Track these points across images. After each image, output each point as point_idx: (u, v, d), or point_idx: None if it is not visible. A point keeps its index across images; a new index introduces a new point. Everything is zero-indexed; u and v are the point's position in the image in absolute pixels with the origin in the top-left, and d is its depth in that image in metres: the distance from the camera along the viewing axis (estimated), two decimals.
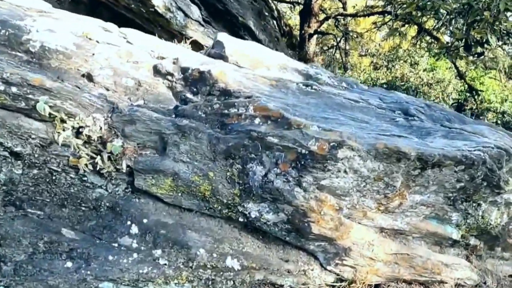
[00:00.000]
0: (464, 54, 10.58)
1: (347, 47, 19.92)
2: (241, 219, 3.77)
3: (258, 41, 11.41)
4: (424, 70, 16.76)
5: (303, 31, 15.18)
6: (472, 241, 4.75)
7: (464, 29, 9.88)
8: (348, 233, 3.92)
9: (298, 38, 15.71)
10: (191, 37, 8.89)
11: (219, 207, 3.71)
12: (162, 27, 8.94)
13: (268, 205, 3.64)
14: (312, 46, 16.19)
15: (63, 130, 3.31)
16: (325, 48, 20.61)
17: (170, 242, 3.61)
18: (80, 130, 3.42)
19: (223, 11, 10.12)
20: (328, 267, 4.02)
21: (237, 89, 3.74)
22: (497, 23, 9.05)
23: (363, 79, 16.72)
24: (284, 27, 15.36)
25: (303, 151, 3.36)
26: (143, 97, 3.88)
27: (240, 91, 3.73)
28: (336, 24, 17.55)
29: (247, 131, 3.45)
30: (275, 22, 13.91)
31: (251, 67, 4.60)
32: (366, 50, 19.97)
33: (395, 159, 3.58)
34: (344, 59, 19.66)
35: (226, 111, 3.60)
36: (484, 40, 9.28)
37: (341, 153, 3.33)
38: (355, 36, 18.85)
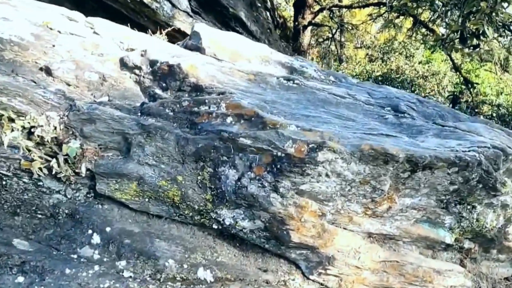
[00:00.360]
0: (459, 47, 10.19)
1: (343, 39, 19.49)
2: (215, 226, 3.40)
3: (250, 32, 11.00)
4: (419, 63, 16.34)
5: (297, 23, 14.74)
6: (467, 244, 4.38)
7: (459, 20, 9.48)
8: (332, 240, 3.54)
9: (292, 30, 15.29)
10: (178, 28, 8.49)
11: (191, 213, 3.34)
12: (149, 18, 8.51)
13: (244, 212, 3.27)
14: (306, 38, 15.77)
15: (12, 130, 2.91)
16: (320, 40, 20.14)
17: (136, 253, 3.23)
18: (32, 130, 3.02)
19: (213, 2, 9.68)
20: (311, 277, 3.64)
21: (209, 84, 3.35)
22: (493, 14, 8.66)
23: (358, 72, 16.35)
24: (278, 19, 14.94)
25: (279, 153, 2.97)
26: (108, 93, 3.49)
27: (213, 86, 3.33)
28: (331, 15, 17.08)
29: (218, 132, 3.06)
30: (268, 13, 13.48)
31: (230, 59, 4.20)
32: (361, 42, 19.53)
33: (382, 161, 3.19)
34: (339, 51, 19.22)
35: (196, 109, 3.21)
36: (481, 32, 8.90)
37: (321, 155, 2.94)
38: (351, 28, 18.42)
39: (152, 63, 3.54)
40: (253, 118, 3.07)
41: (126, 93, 3.52)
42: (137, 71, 3.58)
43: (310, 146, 2.93)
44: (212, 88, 3.33)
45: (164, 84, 3.49)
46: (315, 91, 3.83)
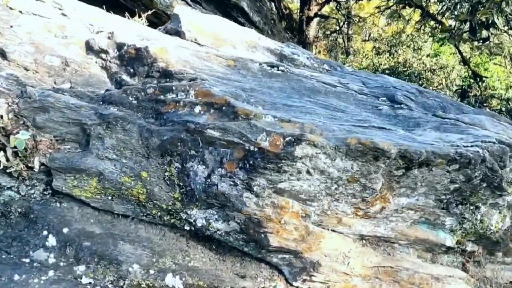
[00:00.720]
0: (468, 38, 9.68)
1: (350, 32, 18.96)
2: (187, 227, 3.01)
3: (252, 23, 10.57)
4: (427, 56, 15.78)
5: (302, 14, 14.24)
6: (469, 247, 3.94)
7: (468, 10, 8.97)
8: (319, 243, 3.13)
9: (298, 22, 14.80)
10: None
11: (159, 213, 2.95)
12: (146, 7, 8.11)
13: (217, 212, 2.88)
14: (312, 30, 15.27)
15: None
16: (328, 33, 19.61)
17: (97, 256, 2.85)
18: None
19: None
20: (295, 283, 3.23)
21: (180, 70, 2.94)
22: (503, 3, 8.16)
23: (365, 65, 15.87)
24: (283, 10, 14.46)
25: (252, 148, 2.56)
26: (71, 80, 3.10)
27: (184, 72, 2.93)
28: (338, 8, 16.53)
29: (184, 122, 2.66)
30: (273, 4, 13.02)
31: (213, 45, 3.78)
32: (369, 35, 18.97)
33: (372, 157, 2.77)
34: (346, 44, 18.71)
35: (162, 97, 2.81)
36: (490, 22, 8.40)
37: (299, 150, 2.52)
38: (358, 20, 17.88)
39: (120, 46, 3.14)
40: (224, 107, 2.66)
41: (91, 80, 3.13)
42: (103, 56, 3.19)
43: (287, 139, 2.51)
44: (182, 74, 2.92)
45: (131, 70, 3.09)
46: (302, 79, 3.41)
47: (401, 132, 3.11)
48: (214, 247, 3.17)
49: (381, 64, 15.93)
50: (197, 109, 2.70)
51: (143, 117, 2.80)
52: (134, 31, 3.38)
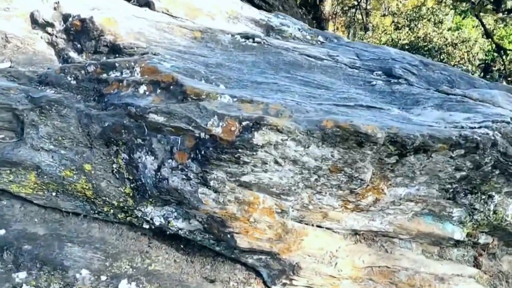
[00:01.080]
0: (491, 8, 8.93)
1: (369, 7, 18.08)
2: (145, 226, 2.57)
3: None
4: (448, 29, 14.89)
5: None
6: (482, 239, 3.39)
7: None
8: (300, 242, 2.66)
9: None
10: None
11: (111, 210, 2.51)
12: None
13: (175, 209, 2.43)
14: (328, 5, 14.49)
15: None
16: (346, 8, 18.75)
17: (39, 261, 2.43)
18: None
19: None
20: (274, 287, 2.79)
21: (131, 43, 2.47)
22: None
23: (384, 41, 15.09)
24: None
25: (202, 135, 2.08)
26: (11, 58, 2.66)
27: (135, 46, 2.45)
28: None
29: (124, 106, 2.19)
30: None
31: (187, 16, 3.29)
32: (387, 9, 18.06)
33: (355, 143, 2.26)
34: (365, 19, 17.85)
35: (104, 76, 2.34)
36: None
37: (259, 137, 2.02)
38: None
39: (66, 18, 2.68)
40: (171, 87, 2.17)
41: (35, 58, 2.69)
42: (49, 29, 2.74)
43: (244, 124, 2.01)
44: (133, 49, 2.45)
45: (78, 45, 2.64)
46: (281, 52, 2.89)
47: (396, 111, 2.58)
48: (181, 246, 2.74)
49: (400, 40, 15.16)
50: (142, 89, 2.22)
51: (84, 100, 2.35)
52: (88, 0, 2.90)
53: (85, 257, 2.50)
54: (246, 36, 2.96)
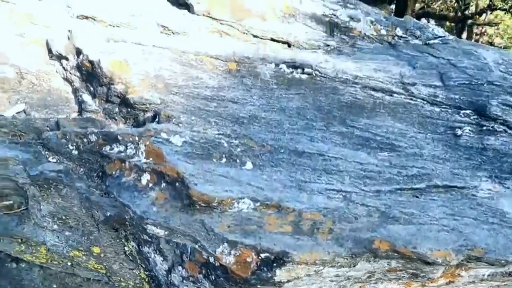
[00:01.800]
0: None
1: None
2: None
3: None
4: None
5: None
6: None
7: None
8: None
9: None
10: None
11: (130, 286, 2.13)
12: None
13: None
14: None
15: None
16: None
17: None
18: None
19: None
20: None
21: (142, 99, 1.92)
22: None
23: None
24: None
25: (212, 260, 1.55)
26: (26, 98, 2.25)
27: (147, 103, 1.91)
28: None
29: (123, 205, 1.70)
30: None
31: (233, 17, 2.64)
32: None
33: (421, 263, 1.62)
34: None
35: (107, 149, 1.84)
36: None
37: (283, 273, 1.45)
38: None
39: (78, 52, 2.16)
40: (177, 184, 1.63)
41: (49, 98, 2.25)
42: (64, 63, 2.25)
43: (262, 256, 1.45)
44: (145, 105, 1.91)
45: (91, 88, 2.13)
46: (337, 87, 2.16)
47: (485, 188, 1.83)
48: None
49: None
50: (145, 178, 1.70)
51: (86, 175, 1.89)
52: (111, 17, 2.32)
53: None
54: (294, 65, 2.25)
